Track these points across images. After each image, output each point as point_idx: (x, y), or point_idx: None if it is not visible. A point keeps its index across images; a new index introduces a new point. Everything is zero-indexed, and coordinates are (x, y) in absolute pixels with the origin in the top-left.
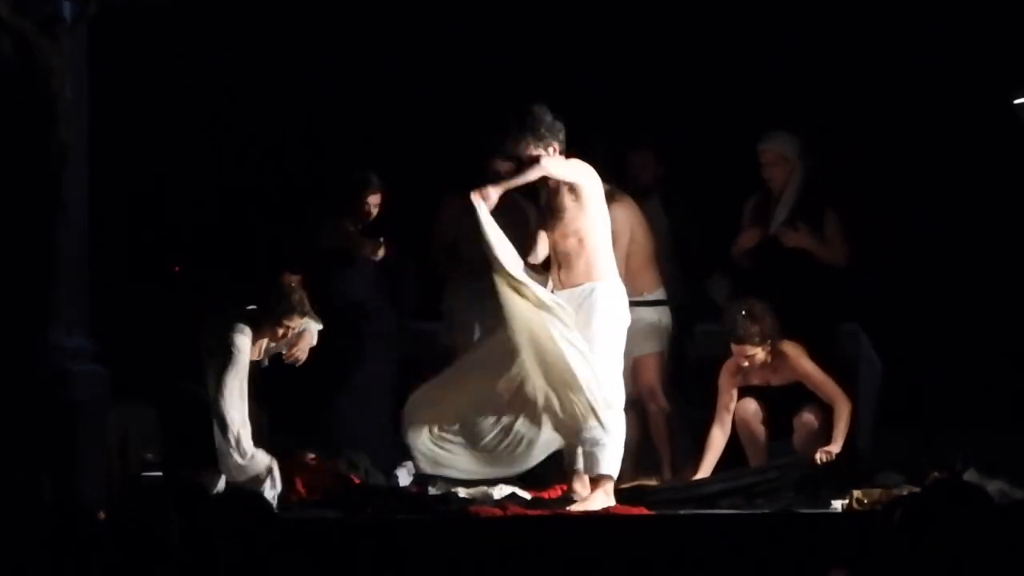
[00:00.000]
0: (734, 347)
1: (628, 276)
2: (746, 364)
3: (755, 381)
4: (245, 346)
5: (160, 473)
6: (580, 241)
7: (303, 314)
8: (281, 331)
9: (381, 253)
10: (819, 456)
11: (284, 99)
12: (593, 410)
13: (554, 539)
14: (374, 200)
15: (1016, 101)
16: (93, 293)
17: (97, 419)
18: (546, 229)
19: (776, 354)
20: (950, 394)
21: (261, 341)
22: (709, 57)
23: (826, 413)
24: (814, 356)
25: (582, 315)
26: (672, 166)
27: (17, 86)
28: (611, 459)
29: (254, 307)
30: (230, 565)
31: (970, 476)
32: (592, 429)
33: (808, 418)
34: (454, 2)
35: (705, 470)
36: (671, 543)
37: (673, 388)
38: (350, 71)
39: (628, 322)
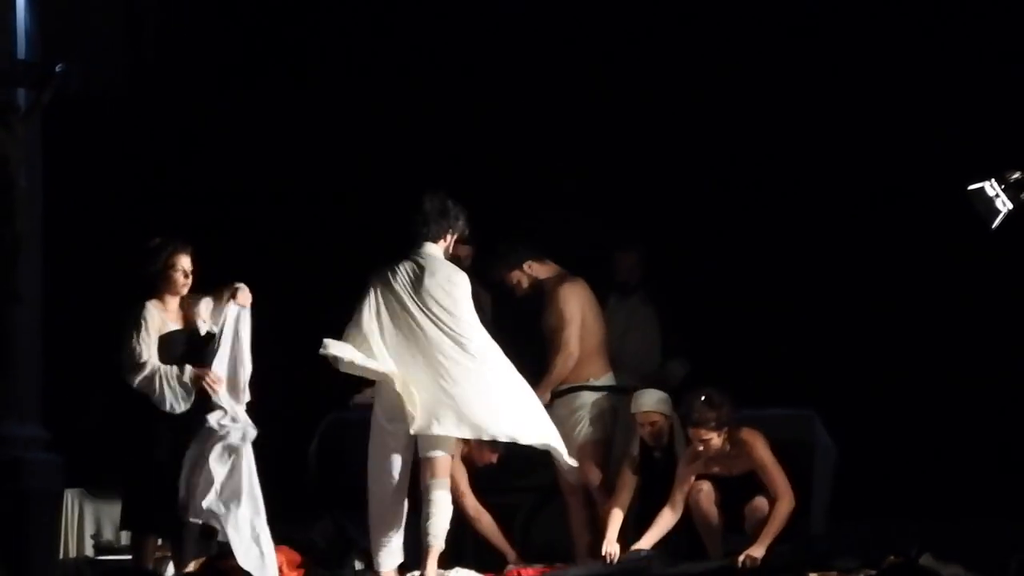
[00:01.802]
0: (691, 431)
1: (577, 361)
2: (702, 449)
3: (716, 469)
4: None
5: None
6: None
7: None
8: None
9: None
10: (741, 559)
11: (240, 184)
12: None
13: None
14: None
15: (970, 187)
16: (46, 382)
17: (50, 506)
18: None
19: (735, 442)
20: (906, 480)
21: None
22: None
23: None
24: (773, 448)
25: None
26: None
27: None
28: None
29: None
30: None
31: (926, 561)
32: None
33: (759, 504)
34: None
35: (645, 543)
36: None
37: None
38: (299, 158)
39: None
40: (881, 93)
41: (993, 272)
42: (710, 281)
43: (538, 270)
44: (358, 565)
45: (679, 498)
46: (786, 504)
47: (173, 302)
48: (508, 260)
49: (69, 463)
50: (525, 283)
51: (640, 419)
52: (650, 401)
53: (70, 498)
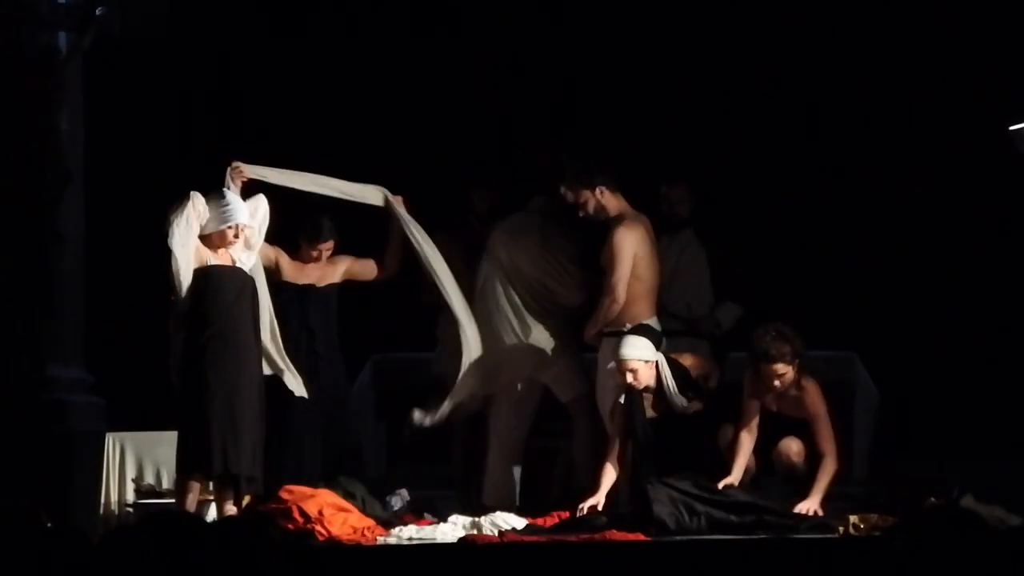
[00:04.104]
0: (765, 368)
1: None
2: (777, 384)
3: (772, 406)
4: None
5: (154, 500)
6: None
7: None
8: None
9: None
10: (802, 509)
11: (277, 125)
12: None
13: (550, 565)
14: (325, 247)
15: (1012, 127)
16: (89, 324)
17: (93, 448)
18: None
19: (797, 384)
20: (947, 421)
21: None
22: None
23: (808, 446)
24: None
25: None
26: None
27: (13, 119)
28: None
29: None
30: None
31: (967, 503)
32: None
33: (785, 447)
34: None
35: (735, 474)
36: (667, 568)
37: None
38: (338, 99)
39: None
40: (928, 29)
41: None
42: (750, 223)
43: (608, 199)
44: (398, 507)
45: (752, 420)
46: (833, 463)
47: None
48: (584, 178)
49: (112, 406)
50: (591, 206)
51: (620, 367)
52: (628, 351)
53: (112, 442)
